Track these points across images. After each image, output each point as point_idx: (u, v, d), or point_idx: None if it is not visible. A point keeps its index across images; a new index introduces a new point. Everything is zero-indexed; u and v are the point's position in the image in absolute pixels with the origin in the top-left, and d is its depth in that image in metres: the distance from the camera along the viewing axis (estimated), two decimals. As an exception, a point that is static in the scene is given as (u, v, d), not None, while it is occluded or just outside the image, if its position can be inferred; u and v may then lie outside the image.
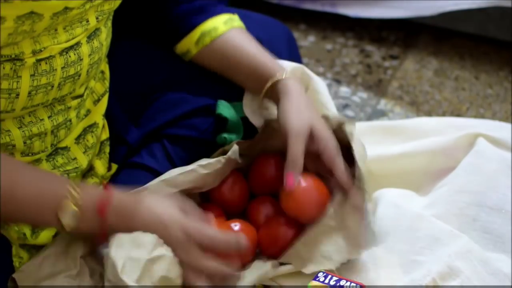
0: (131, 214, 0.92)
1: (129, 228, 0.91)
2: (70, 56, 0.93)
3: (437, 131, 1.30)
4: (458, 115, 1.58)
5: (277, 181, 1.09)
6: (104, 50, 1.01)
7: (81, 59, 0.95)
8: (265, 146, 1.16)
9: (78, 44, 0.94)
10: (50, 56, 0.91)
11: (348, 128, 1.07)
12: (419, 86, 1.67)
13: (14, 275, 0.94)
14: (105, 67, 1.11)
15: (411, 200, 1.17)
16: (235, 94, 1.16)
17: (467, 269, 1.00)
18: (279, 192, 1.06)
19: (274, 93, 1.08)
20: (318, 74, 1.62)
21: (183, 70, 1.16)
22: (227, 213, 1.11)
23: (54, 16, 0.87)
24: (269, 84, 1.08)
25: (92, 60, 0.97)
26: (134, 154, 1.14)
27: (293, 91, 1.06)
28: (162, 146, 1.13)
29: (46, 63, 0.91)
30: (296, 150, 1.00)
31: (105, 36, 1.00)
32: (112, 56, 1.12)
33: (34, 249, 0.99)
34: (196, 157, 1.12)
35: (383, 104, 1.61)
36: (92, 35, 0.96)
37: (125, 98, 1.14)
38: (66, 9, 0.88)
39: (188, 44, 1.13)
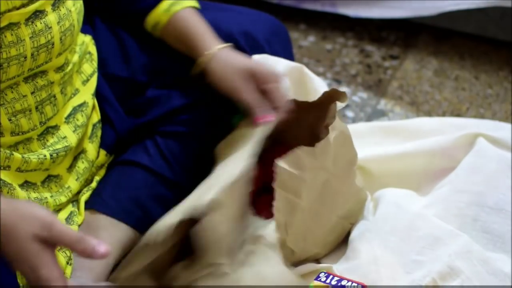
0: None
1: None
2: (36, 25, 0.94)
3: (437, 131, 1.30)
4: (458, 115, 1.58)
5: None
6: (75, 16, 1.01)
7: (50, 27, 0.96)
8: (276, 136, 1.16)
9: (42, 12, 0.95)
10: (11, 24, 0.91)
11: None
12: (419, 86, 1.67)
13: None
14: (92, 48, 1.12)
15: (412, 200, 1.17)
16: None
17: (467, 269, 1.00)
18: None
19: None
20: (318, 74, 1.62)
21: (175, 58, 1.16)
22: None
23: None
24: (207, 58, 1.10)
25: (63, 27, 0.98)
26: (124, 148, 1.14)
27: (217, 56, 1.09)
28: (154, 142, 1.13)
29: (11, 34, 0.92)
30: (251, 99, 1.06)
31: (71, 2, 1.00)
32: (100, 38, 1.13)
33: None
34: (189, 153, 1.12)
35: (383, 104, 1.61)
36: (56, 2, 0.97)
37: (114, 81, 1.15)
38: None
39: (157, 14, 1.14)
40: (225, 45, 1.11)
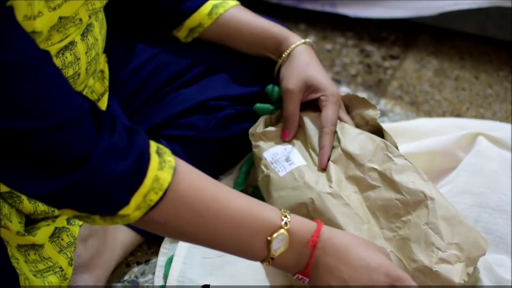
0: (339, 253, 0.87)
1: (332, 268, 0.87)
2: (66, 57, 0.92)
3: (437, 131, 1.30)
4: (458, 115, 1.58)
5: None
6: (100, 44, 1.00)
7: (78, 59, 0.94)
8: None
9: (72, 43, 0.93)
10: None
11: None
12: (419, 86, 1.67)
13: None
14: (104, 66, 1.11)
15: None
16: (232, 89, 1.16)
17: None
18: None
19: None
20: (318, 74, 1.62)
21: (181, 66, 1.16)
22: None
23: (51, 29, 0.86)
24: (285, 55, 1.15)
25: (90, 57, 0.97)
26: None
27: (295, 55, 1.14)
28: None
29: None
30: (290, 109, 1.10)
31: (98, 30, 0.99)
32: (110, 52, 1.12)
33: (32, 250, 0.99)
34: (196, 156, 1.12)
35: (383, 104, 1.61)
36: (85, 32, 0.95)
37: (124, 97, 1.14)
38: (61, 19, 0.87)
39: (200, 17, 1.14)
40: (302, 41, 1.15)
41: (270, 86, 1.18)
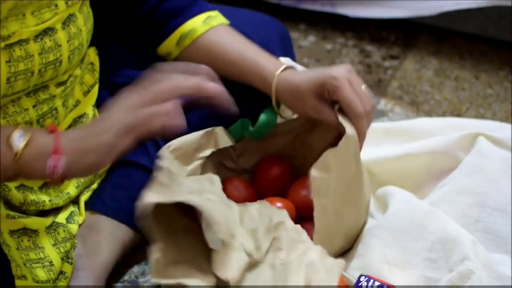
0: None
1: (84, 137, 0.88)
2: (45, 42, 0.94)
3: (437, 131, 1.30)
4: (458, 115, 1.58)
5: (283, 182, 1.13)
6: (85, 35, 1.01)
7: (59, 45, 0.96)
8: (266, 147, 1.16)
9: (52, 30, 0.95)
10: (21, 40, 0.91)
11: None
12: (419, 86, 1.67)
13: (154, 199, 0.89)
14: (94, 58, 1.12)
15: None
16: (226, 87, 1.16)
17: (476, 270, 0.99)
18: (287, 192, 1.10)
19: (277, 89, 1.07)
20: (318, 74, 1.62)
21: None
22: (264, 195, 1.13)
23: (17, 6, 0.88)
24: (273, 86, 1.06)
25: (72, 46, 0.98)
26: None
27: (284, 81, 1.05)
28: (155, 143, 1.13)
29: (20, 49, 0.91)
30: (330, 119, 1.02)
31: (82, 22, 1.00)
32: (102, 46, 1.12)
33: (25, 236, 0.99)
34: None
35: (383, 104, 1.61)
36: (66, 21, 0.97)
37: (115, 89, 1.14)
38: None
39: (168, 46, 1.14)
40: (283, 67, 1.07)
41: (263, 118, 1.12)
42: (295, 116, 1.14)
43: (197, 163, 1.07)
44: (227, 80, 1.10)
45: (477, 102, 1.62)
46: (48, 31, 0.94)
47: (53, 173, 0.86)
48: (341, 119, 1.02)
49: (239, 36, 1.13)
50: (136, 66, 1.14)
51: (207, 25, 1.12)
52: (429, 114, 1.58)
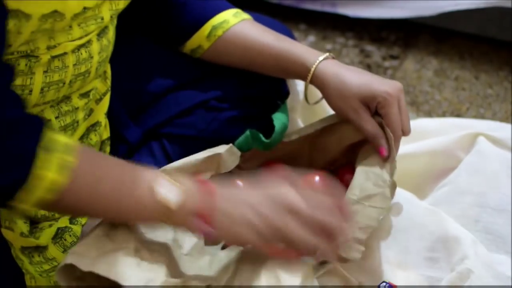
0: (235, 192, 0.85)
1: (235, 206, 0.83)
2: (81, 54, 0.93)
3: (438, 131, 1.30)
4: (458, 115, 1.58)
5: None
6: (111, 48, 1.02)
7: (92, 57, 0.95)
8: (273, 151, 1.16)
9: (89, 41, 0.94)
10: (64, 53, 0.91)
11: None
12: (419, 86, 1.67)
13: (68, 261, 0.82)
14: (107, 66, 1.11)
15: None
16: (233, 90, 1.16)
17: (475, 269, 1.00)
18: None
19: (314, 79, 1.07)
20: (318, 74, 1.62)
21: (184, 70, 1.16)
22: None
23: (74, 17, 0.88)
24: (310, 73, 1.06)
25: (101, 58, 0.98)
26: (134, 152, 1.13)
27: (325, 74, 1.06)
28: (161, 145, 1.13)
29: (59, 60, 0.91)
30: (369, 128, 1.03)
31: (112, 34, 1.00)
32: (113, 54, 1.12)
33: (36, 252, 0.99)
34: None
35: (383, 104, 1.61)
36: (101, 33, 0.97)
37: (125, 97, 1.14)
38: (85, 9, 0.89)
39: (199, 39, 1.13)
40: (326, 55, 1.07)
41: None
42: (320, 99, 1.13)
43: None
44: (233, 86, 1.12)
45: (477, 102, 1.62)
46: (85, 43, 0.94)
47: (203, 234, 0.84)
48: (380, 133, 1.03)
49: (268, 28, 1.14)
50: (150, 72, 1.15)
51: (238, 17, 1.13)
52: (429, 114, 1.58)
